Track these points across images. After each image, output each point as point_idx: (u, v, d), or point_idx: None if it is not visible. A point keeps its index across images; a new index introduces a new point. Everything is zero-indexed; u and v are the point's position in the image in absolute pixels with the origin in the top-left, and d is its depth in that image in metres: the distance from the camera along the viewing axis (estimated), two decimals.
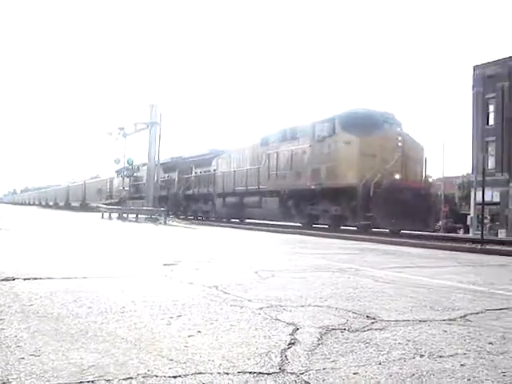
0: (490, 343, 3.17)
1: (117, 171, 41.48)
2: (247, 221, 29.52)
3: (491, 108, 53.66)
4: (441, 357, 2.82)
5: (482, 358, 2.82)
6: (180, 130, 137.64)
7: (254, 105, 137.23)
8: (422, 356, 2.85)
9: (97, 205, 41.49)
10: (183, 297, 4.59)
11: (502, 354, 2.90)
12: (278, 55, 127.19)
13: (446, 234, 20.46)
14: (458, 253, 12.23)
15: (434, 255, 11.22)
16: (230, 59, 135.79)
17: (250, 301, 4.46)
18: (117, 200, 40.47)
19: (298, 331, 3.38)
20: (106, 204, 40.16)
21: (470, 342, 3.19)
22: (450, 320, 3.84)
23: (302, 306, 4.23)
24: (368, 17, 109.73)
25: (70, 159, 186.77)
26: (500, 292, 5.41)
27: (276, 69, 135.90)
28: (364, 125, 21.27)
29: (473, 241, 17.25)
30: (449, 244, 14.66)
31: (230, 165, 30.16)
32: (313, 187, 22.36)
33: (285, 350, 2.94)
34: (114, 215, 33.56)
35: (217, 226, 26.98)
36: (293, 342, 3.12)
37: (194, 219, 33.87)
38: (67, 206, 62.44)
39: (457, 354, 2.88)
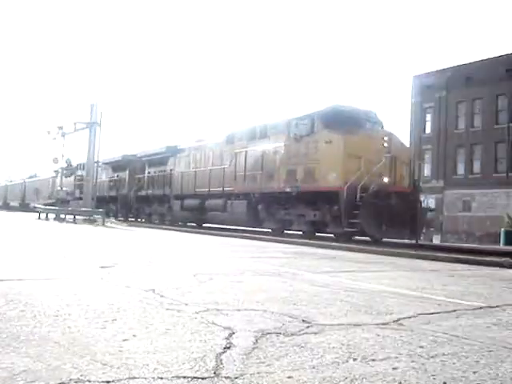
0: (421, 347, 3.07)
1: (55, 171, 37.80)
2: (208, 225, 26.48)
3: (428, 117, 53.43)
4: (373, 360, 2.74)
5: (413, 361, 2.74)
6: (137, 127, 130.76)
7: (219, 101, 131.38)
8: (355, 360, 2.75)
9: (34, 205, 37.74)
10: (119, 300, 4.37)
11: (432, 357, 2.83)
12: (246, 46, 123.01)
13: (385, 240, 18.50)
14: (394, 258, 12.05)
15: (372, 260, 11.05)
16: (190, 52, 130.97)
17: (186, 304, 4.27)
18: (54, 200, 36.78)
19: (233, 335, 3.22)
20: (45, 204, 36.39)
21: (402, 346, 3.08)
22: (384, 324, 3.72)
23: (239, 310, 4.08)
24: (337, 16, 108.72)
25: (6, 157, 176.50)
26: (432, 297, 5.32)
27: (244, 62, 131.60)
28: (347, 123, 18.97)
29: (409, 246, 16.01)
30: (386, 249, 14.15)
31: (189, 164, 27.23)
32: (287, 190, 19.88)
33: (220, 354, 2.81)
34: (52, 215, 31.42)
35: (168, 229, 24.64)
36: (228, 346, 2.98)
37: (145, 222, 30.57)
38: (5, 206, 57.48)
39: (389, 357, 2.79)
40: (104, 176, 35.12)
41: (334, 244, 15.55)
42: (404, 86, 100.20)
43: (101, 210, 28.76)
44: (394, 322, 3.89)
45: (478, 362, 2.79)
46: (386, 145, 18.51)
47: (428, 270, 9.28)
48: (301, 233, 20.24)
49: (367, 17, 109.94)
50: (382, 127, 20.24)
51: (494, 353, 3.00)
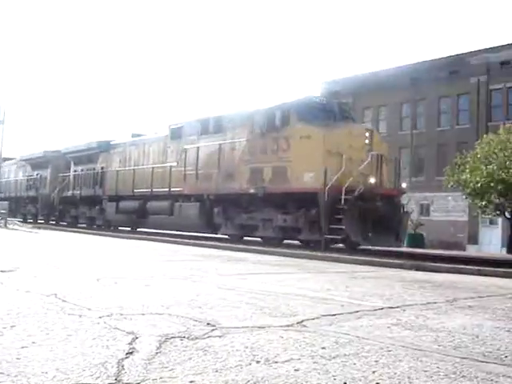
0: (323, 348, 2.95)
1: None
2: (145, 230, 22.54)
3: None
4: (276, 362, 2.64)
5: (315, 362, 2.65)
6: (63, 121, 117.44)
7: (159, 91, 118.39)
8: (258, 362, 2.64)
9: None
10: (19, 306, 4.04)
11: (333, 358, 2.73)
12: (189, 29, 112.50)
13: (292, 242, 17.47)
14: (302, 260, 11.66)
15: (281, 262, 10.69)
16: (123, 36, 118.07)
17: (89, 309, 3.97)
18: None
19: (137, 340, 3.01)
20: None
21: (304, 347, 2.96)
22: (288, 326, 3.59)
23: (143, 314, 3.83)
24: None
25: None
26: (336, 298, 5.14)
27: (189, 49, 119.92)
28: (326, 116, 16.21)
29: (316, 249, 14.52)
30: (297, 251, 13.49)
31: (125, 161, 23.36)
32: (251, 191, 16.64)
33: (122, 359, 2.61)
34: None
35: (92, 234, 21.37)
36: (131, 351, 2.76)
37: (68, 226, 26.13)
38: None
39: (292, 359, 2.69)
40: (21, 174, 30.07)
41: (241, 246, 14.72)
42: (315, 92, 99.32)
43: (3, 211, 24.95)
44: (297, 323, 3.70)
45: (377, 361, 2.69)
46: (367, 141, 15.57)
47: (331, 271, 8.95)
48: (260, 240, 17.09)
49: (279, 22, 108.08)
50: (354, 121, 17.33)
51: (393, 352, 2.89)
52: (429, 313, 4.46)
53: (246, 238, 18.25)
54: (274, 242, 16.47)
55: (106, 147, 24.90)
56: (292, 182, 15.69)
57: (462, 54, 42.07)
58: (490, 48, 40.40)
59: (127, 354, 2.68)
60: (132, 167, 22.68)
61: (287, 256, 12.62)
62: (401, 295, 5.67)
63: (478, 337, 3.48)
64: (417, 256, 14.32)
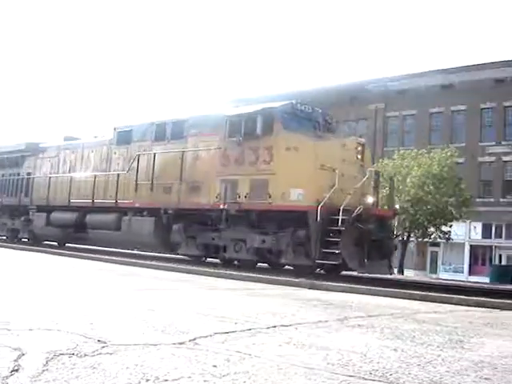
0: (214, 366, 2.87)
1: None
2: (74, 246, 19.44)
3: None
4: (166, 381, 2.53)
5: (205, 380, 2.57)
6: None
7: (99, 90, 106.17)
8: (147, 380, 2.52)
9: None
10: None
11: (224, 376, 2.66)
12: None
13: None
14: (196, 276, 11.18)
15: (182, 278, 10.18)
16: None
17: None
18: None
19: (23, 357, 2.83)
20: None
21: (196, 365, 2.86)
22: (180, 343, 3.45)
23: (31, 330, 3.57)
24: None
25: None
26: (230, 315, 4.94)
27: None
28: (311, 126, 14.18)
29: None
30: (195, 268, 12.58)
31: (58, 167, 20.18)
32: (223, 207, 14.01)
33: (6, 377, 2.45)
34: None
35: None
36: (16, 368, 2.59)
37: None
38: None
39: (182, 377, 2.60)
40: None
41: (133, 260, 13.52)
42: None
43: None
44: (190, 341, 3.54)
45: (267, 379, 2.63)
46: (359, 156, 13.84)
47: (227, 288, 8.65)
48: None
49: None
50: (334, 133, 15.57)
51: (284, 371, 2.84)
52: (320, 331, 4.41)
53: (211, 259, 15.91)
54: (247, 265, 14.25)
55: (33, 150, 21.47)
56: (275, 198, 13.57)
57: (363, 80, 42.23)
58: (389, 77, 40.92)
59: (12, 371, 2.51)
60: (68, 174, 19.53)
61: (192, 273, 11.76)
62: (294, 313, 5.55)
63: (365, 355, 3.44)
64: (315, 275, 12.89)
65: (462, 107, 36.84)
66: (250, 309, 5.76)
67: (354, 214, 12.61)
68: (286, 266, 14.77)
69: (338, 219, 12.63)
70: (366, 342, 3.95)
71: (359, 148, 14.15)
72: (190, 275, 11.17)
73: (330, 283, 9.94)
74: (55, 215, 19.57)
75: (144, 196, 16.64)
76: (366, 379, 2.74)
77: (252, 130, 14.20)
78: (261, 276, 10.97)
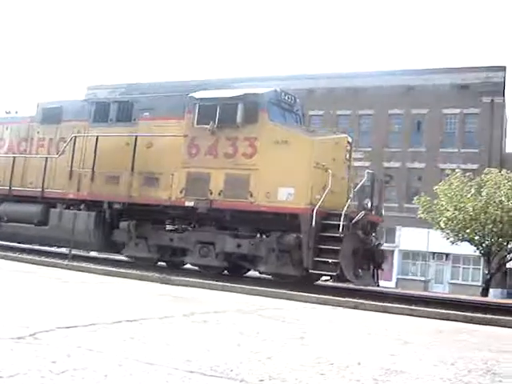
0: (53, 362, 2.69)
1: None
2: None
3: None
4: (1, 377, 2.34)
5: (42, 377, 2.40)
6: None
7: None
8: None
9: None
10: None
11: (62, 372, 2.50)
12: None
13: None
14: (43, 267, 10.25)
15: (26, 269, 9.29)
16: None
17: None
18: None
19: None
20: None
21: (34, 361, 2.66)
22: (19, 338, 3.21)
23: None
24: None
25: None
26: (74, 309, 4.84)
27: None
28: (294, 118, 12.50)
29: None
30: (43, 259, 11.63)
31: None
32: (188, 204, 12.02)
33: None
34: None
35: None
36: None
37: None
38: None
39: (18, 373, 2.43)
40: None
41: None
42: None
43: None
44: (30, 335, 3.31)
45: (106, 375, 2.50)
46: (347, 155, 12.45)
47: (77, 281, 8.17)
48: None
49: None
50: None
51: (125, 367, 2.71)
52: (165, 326, 4.32)
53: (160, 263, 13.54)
54: (212, 272, 12.20)
55: None
56: (258, 197, 11.66)
57: (227, 78, 40.43)
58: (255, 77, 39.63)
59: None
60: None
61: (38, 264, 10.75)
62: (141, 308, 5.46)
63: (208, 350, 3.38)
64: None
65: (370, 111, 37.18)
66: (97, 303, 5.61)
67: (356, 219, 11.11)
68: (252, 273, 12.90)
69: (333, 224, 11.11)
70: (209, 338, 3.88)
71: (348, 147, 12.71)
72: (36, 266, 10.28)
73: (182, 278, 9.61)
74: None
75: (81, 186, 13.82)
76: (206, 375, 2.68)
77: (230, 117, 12.12)
78: (118, 270, 10.31)
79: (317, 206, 11.03)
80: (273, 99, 12.28)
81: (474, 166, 32.89)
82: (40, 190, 14.32)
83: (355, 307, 7.77)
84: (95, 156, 13.68)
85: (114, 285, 8.16)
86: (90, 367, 2.62)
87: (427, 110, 36.09)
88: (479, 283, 29.47)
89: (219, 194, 12.06)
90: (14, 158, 15.02)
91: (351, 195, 11.54)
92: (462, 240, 26.47)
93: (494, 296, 27.06)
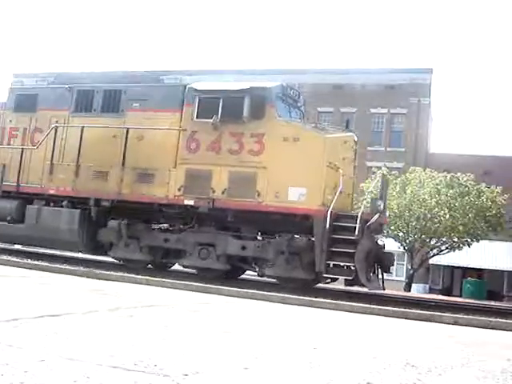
0: None
1: None
2: None
3: None
4: None
5: None
6: None
7: None
8: None
9: None
10: None
11: None
12: None
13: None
14: None
15: None
16: None
17: None
18: None
19: None
20: None
21: None
22: None
23: None
24: None
25: None
26: None
27: None
28: (299, 114, 12.05)
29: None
30: None
31: None
32: (188, 203, 11.13)
33: None
34: None
35: None
36: None
37: None
38: None
39: None
40: None
41: None
42: None
43: None
44: None
45: (26, 371, 2.41)
46: (354, 155, 12.07)
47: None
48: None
49: None
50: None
51: (46, 362, 2.63)
52: (89, 321, 4.21)
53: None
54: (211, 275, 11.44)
55: None
56: (266, 196, 10.99)
57: (159, 71, 39.58)
58: (185, 70, 38.16)
59: None
60: None
61: None
62: (66, 303, 5.31)
63: (133, 345, 3.32)
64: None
65: None
66: (20, 297, 5.43)
67: (371, 222, 10.66)
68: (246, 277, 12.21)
69: (345, 226, 10.63)
70: (134, 332, 3.83)
71: (355, 146, 12.26)
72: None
73: (111, 273, 9.43)
74: None
75: (64, 181, 12.62)
76: (129, 370, 2.60)
77: (235, 111, 11.36)
78: (45, 265, 9.88)
79: (330, 208, 10.52)
80: (279, 93, 11.62)
81: (400, 165, 33.51)
82: (15, 184, 12.99)
83: (282, 301, 7.80)
84: (80, 149, 12.51)
85: (42, 279, 7.80)
86: (10, 363, 2.55)
87: (355, 109, 36.52)
88: (403, 278, 30.09)
89: (223, 192, 11.29)
90: None
91: (366, 197, 11.04)
92: (387, 236, 26.96)
93: (417, 291, 27.78)
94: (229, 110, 11.38)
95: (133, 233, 12.10)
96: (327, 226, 10.46)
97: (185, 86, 12.29)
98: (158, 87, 12.68)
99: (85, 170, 12.44)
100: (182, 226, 11.83)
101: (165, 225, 12.09)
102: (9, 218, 12.78)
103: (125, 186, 12.05)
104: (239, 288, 8.67)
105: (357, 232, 10.40)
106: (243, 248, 11.28)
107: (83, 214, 12.36)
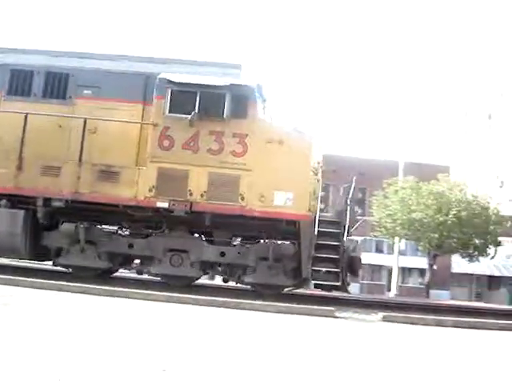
0: None
1: None
2: None
3: None
4: None
5: None
6: None
7: None
8: None
9: None
10: None
11: None
12: None
13: None
14: None
15: None
16: None
17: None
18: None
19: None
20: None
21: None
22: None
23: None
24: None
25: None
26: None
27: None
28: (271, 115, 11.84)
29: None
30: None
31: None
32: (161, 205, 10.42)
33: None
34: None
35: None
36: None
37: None
38: None
39: None
40: None
41: None
42: None
43: None
44: None
45: None
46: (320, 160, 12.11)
47: None
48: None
49: None
50: None
51: None
52: None
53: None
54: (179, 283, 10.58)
55: None
56: (250, 200, 10.39)
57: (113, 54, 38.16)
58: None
59: None
60: None
61: None
62: None
63: None
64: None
65: None
66: None
67: (354, 228, 10.66)
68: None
69: (328, 232, 10.50)
70: None
71: (322, 149, 12.12)
72: None
73: None
74: None
75: (4, 176, 10.62)
76: None
77: (214, 109, 10.53)
78: None
79: (317, 213, 10.30)
80: (262, 90, 11.02)
81: None
82: None
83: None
84: (23, 140, 10.62)
85: None
86: None
87: None
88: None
89: (201, 195, 10.40)
90: None
91: (348, 204, 10.89)
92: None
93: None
94: (207, 106, 10.50)
95: (89, 237, 10.61)
96: (315, 231, 10.21)
97: (147, 75, 11.00)
98: (117, 74, 11.15)
99: (30, 163, 10.59)
100: (151, 231, 10.67)
101: (128, 229, 10.82)
102: None
103: (82, 185, 10.49)
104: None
105: (345, 238, 10.33)
106: (222, 255, 10.52)
107: (27, 215, 10.52)
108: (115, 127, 10.69)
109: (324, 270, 10.28)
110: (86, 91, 11.01)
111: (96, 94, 10.95)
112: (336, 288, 10.76)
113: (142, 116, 10.80)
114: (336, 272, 10.35)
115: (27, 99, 10.98)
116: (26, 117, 10.62)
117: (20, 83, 11.09)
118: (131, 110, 10.81)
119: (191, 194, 10.39)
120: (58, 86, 11.08)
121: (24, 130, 10.62)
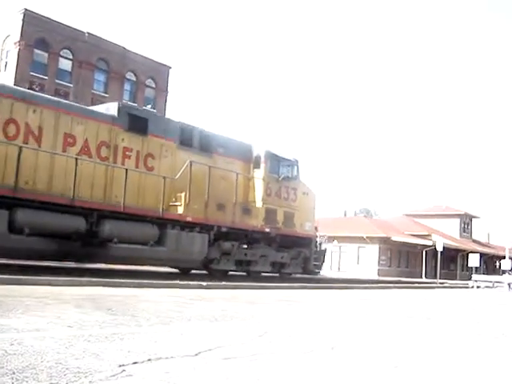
0: None
1: None
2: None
3: None
4: None
5: None
6: None
7: None
8: None
9: None
10: None
11: None
12: None
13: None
14: None
15: None
16: None
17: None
18: None
19: None
20: None
21: None
22: None
23: None
24: None
25: None
26: None
27: None
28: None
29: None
30: None
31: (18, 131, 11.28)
32: (267, 230, 16.64)
33: None
34: None
35: None
36: None
37: None
38: None
39: None
40: None
41: None
42: None
43: None
44: None
45: None
46: None
47: None
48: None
49: None
50: None
51: None
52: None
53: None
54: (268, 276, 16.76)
55: None
56: (297, 227, 17.57)
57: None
58: None
59: None
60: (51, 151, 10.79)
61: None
62: None
63: None
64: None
65: None
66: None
67: (325, 237, 19.13)
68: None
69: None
70: None
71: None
72: None
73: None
74: (29, 215, 10.16)
75: (199, 210, 14.00)
76: None
77: (288, 173, 17.06)
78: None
79: (318, 233, 18.37)
80: (300, 163, 17.86)
81: None
82: (160, 209, 12.87)
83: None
84: (209, 184, 14.21)
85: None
86: None
87: None
88: None
89: (282, 224, 16.76)
90: (127, 170, 12.10)
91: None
92: None
93: None
94: (284, 171, 16.89)
95: (226, 251, 15.15)
96: (317, 243, 18.26)
97: (250, 145, 16.26)
98: (237, 142, 15.34)
99: (210, 201, 14.27)
100: (254, 244, 16.07)
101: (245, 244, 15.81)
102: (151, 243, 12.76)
103: (237, 217, 15.03)
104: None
105: (324, 247, 18.77)
106: (282, 257, 17.07)
107: (208, 237, 14.26)
108: (244, 179, 15.53)
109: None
110: (220, 150, 15.22)
111: (225, 153, 15.35)
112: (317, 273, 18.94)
113: (250, 172, 15.98)
114: (316, 264, 18.56)
115: (191, 150, 14.29)
116: (209, 168, 14.19)
117: (186, 137, 14.22)
118: (243, 167, 15.81)
119: (278, 223, 16.53)
120: (206, 143, 14.81)
121: (209, 178, 14.17)
